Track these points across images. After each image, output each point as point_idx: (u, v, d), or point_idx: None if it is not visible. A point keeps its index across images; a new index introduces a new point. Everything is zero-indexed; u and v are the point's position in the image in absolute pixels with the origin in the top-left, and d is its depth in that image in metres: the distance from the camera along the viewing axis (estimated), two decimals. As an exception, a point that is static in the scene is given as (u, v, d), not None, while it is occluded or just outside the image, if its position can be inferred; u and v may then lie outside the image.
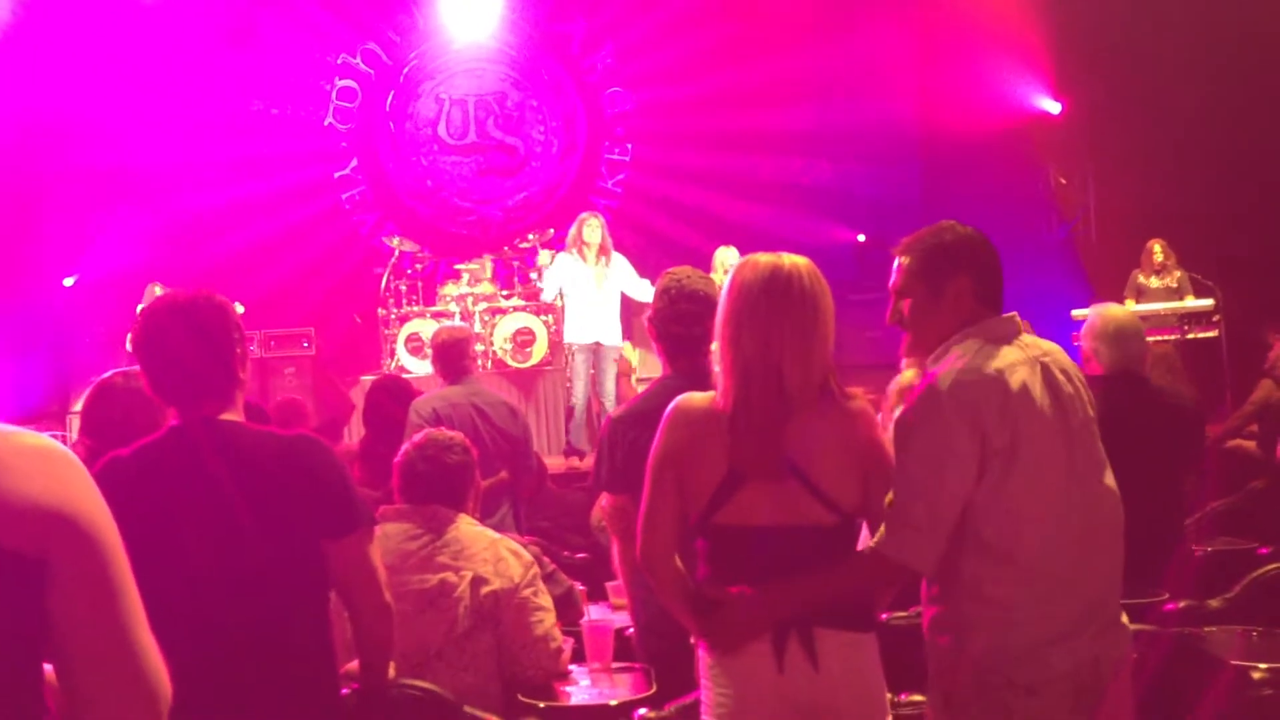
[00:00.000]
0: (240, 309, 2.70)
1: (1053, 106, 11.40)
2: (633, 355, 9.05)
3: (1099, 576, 2.45)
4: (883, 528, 2.40)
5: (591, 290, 8.40)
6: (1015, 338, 2.49)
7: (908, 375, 4.07)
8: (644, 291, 8.38)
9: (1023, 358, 2.45)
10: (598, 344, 8.49)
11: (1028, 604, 2.38)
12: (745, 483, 2.46)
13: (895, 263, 2.61)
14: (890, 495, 2.41)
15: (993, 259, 2.56)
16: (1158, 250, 9.58)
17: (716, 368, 2.54)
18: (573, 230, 8.57)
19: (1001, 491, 2.37)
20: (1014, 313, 2.54)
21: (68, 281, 10.59)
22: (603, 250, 8.44)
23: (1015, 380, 2.40)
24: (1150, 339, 8.73)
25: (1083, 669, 2.38)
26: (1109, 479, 2.50)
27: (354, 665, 2.72)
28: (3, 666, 1.36)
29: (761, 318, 2.46)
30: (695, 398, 2.58)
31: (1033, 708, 2.36)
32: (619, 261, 8.55)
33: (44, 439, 1.42)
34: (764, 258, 2.54)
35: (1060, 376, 2.46)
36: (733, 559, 2.51)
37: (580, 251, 8.41)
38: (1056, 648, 2.37)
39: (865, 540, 2.58)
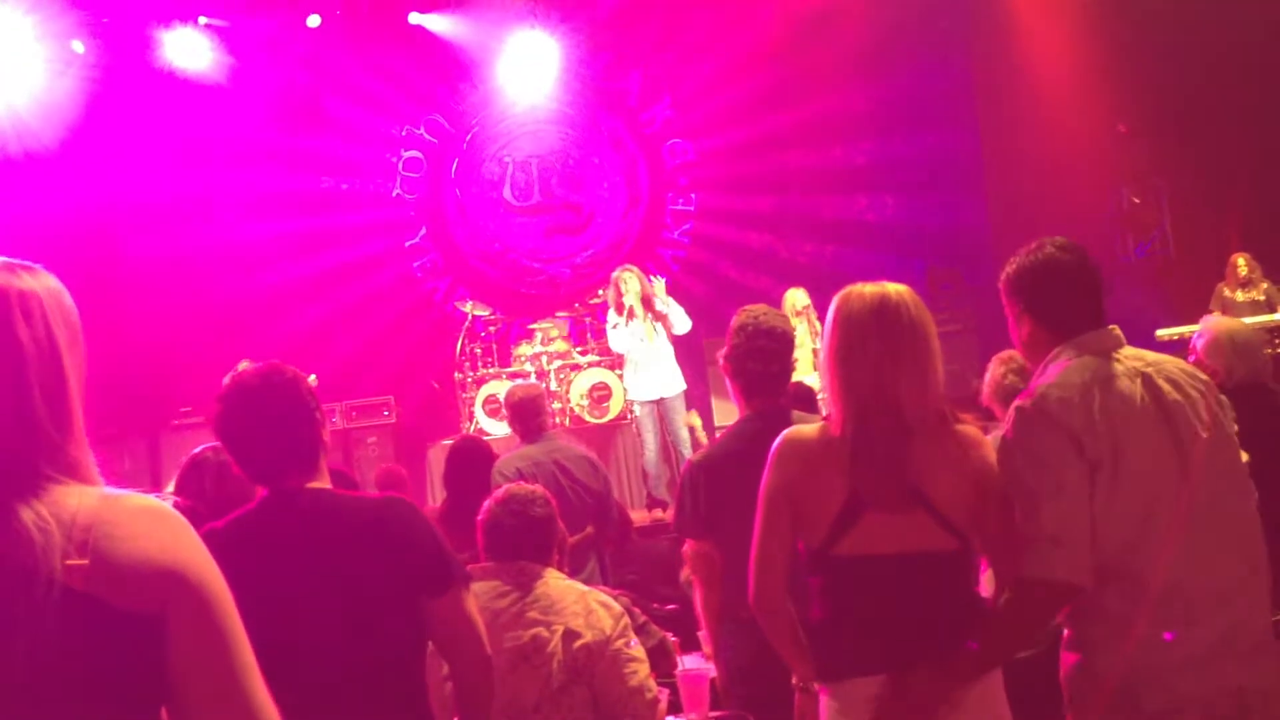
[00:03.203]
0: (314, 380, 2.73)
1: (1119, 126, 11.23)
2: (695, 420, 8.89)
3: (1239, 597, 2.34)
4: (1024, 550, 2.35)
5: (644, 346, 8.36)
6: (1113, 350, 2.46)
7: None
8: (680, 322, 8.33)
9: (1120, 369, 2.42)
10: (662, 399, 8.45)
11: (1152, 623, 2.30)
12: (865, 513, 2.43)
13: None
14: (1018, 519, 2.37)
15: (1054, 283, 2.53)
16: (1242, 264, 9.37)
17: (821, 397, 2.54)
18: (610, 293, 8.53)
19: (1111, 505, 2.32)
20: (1113, 326, 2.51)
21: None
22: (647, 305, 8.37)
23: (1109, 392, 2.37)
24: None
25: (1221, 698, 2.28)
26: (1247, 493, 2.42)
27: (452, 725, 2.72)
28: (123, 718, 1.40)
29: (874, 348, 2.46)
30: (804, 430, 2.56)
31: None
32: (670, 303, 8.48)
33: (151, 500, 1.47)
34: (869, 288, 2.53)
35: (1166, 386, 2.40)
36: (854, 591, 2.46)
37: (622, 310, 8.37)
38: (1187, 673, 2.28)
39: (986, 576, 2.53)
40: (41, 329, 1.45)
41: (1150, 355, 2.50)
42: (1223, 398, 2.50)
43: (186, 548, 1.44)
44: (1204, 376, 2.51)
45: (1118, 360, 2.44)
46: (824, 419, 2.58)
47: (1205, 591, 2.31)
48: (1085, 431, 2.33)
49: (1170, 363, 2.49)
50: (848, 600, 2.47)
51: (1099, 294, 2.54)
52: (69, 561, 1.34)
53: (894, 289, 2.52)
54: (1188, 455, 2.36)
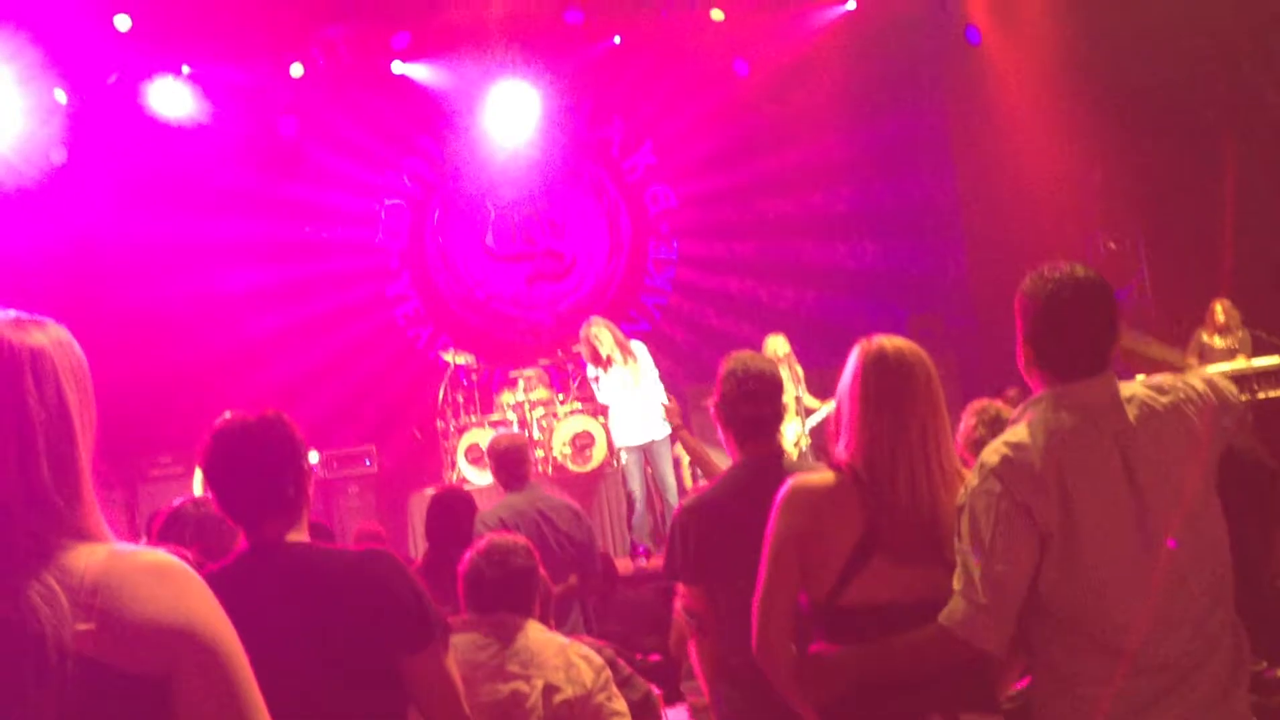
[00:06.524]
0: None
1: (1094, 173, 11.35)
2: (681, 451, 8.88)
3: (1190, 648, 2.30)
4: (956, 602, 2.36)
5: (629, 391, 8.38)
6: (1099, 404, 2.38)
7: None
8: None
9: (1096, 430, 2.35)
10: (649, 442, 8.45)
11: (1099, 678, 2.29)
12: (872, 560, 2.45)
13: None
14: (958, 571, 2.37)
15: (1056, 323, 2.40)
16: (1220, 310, 9.46)
17: (804, 444, 2.57)
18: (584, 350, 8.56)
19: (1062, 570, 2.30)
20: (1108, 374, 2.41)
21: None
22: (623, 349, 8.41)
23: (1073, 457, 2.32)
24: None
25: None
26: (1213, 545, 2.36)
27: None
28: None
29: (899, 401, 2.50)
30: (812, 478, 2.59)
31: None
32: (640, 350, 8.54)
33: (159, 555, 1.44)
34: (889, 341, 2.58)
35: (1146, 444, 2.34)
36: (862, 640, 2.46)
37: (602, 364, 8.40)
38: None
39: None
40: (52, 392, 1.43)
41: (1145, 398, 2.39)
42: (1227, 414, 2.42)
43: (195, 603, 1.42)
44: (1201, 402, 2.40)
45: (1092, 418, 2.36)
46: (837, 467, 2.58)
47: (1153, 647, 2.28)
48: (1035, 499, 2.30)
49: (1164, 403, 2.39)
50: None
51: (1106, 338, 2.41)
52: (77, 627, 1.32)
53: (908, 345, 2.59)
54: (1151, 522, 2.30)
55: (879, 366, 2.54)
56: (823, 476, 2.58)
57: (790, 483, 2.60)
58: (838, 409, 2.61)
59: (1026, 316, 2.44)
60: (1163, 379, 2.47)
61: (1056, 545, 2.30)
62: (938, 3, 11.46)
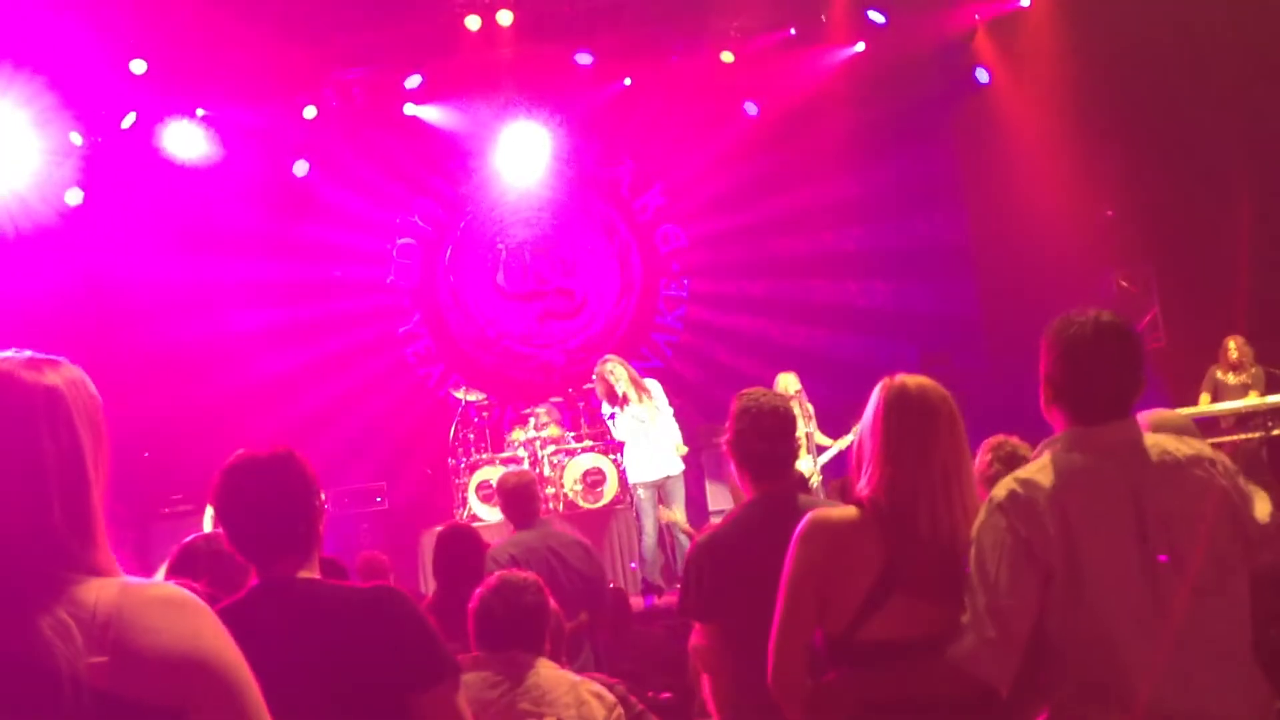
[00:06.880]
0: None
1: (1107, 211, 11.36)
2: (676, 515, 8.78)
3: (1208, 698, 2.27)
4: (964, 636, 2.36)
5: (645, 428, 8.39)
6: (1117, 449, 2.39)
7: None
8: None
9: (1110, 473, 2.35)
10: (665, 478, 8.45)
11: None
12: (894, 596, 2.44)
13: None
14: (967, 606, 2.36)
15: (1075, 366, 2.42)
16: (1233, 347, 9.44)
17: (860, 483, 2.55)
18: (600, 387, 8.58)
19: (1070, 612, 2.30)
20: (1129, 420, 2.42)
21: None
22: (638, 387, 8.44)
23: (1082, 499, 2.32)
24: (1233, 437, 8.57)
25: None
26: (1230, 593, 2.34)
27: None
28: None
29: (918, 438, 2.51)
30: (831, 513, 2.59)
31: None
32: (655, 387, 8.55)
33: (169, 589, 1.45)
34: (912, 380, 2.59)
35: (1163, 496, 2.33)
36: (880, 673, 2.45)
37: (618, 401, 8.42)
38: None
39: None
40: (65, 432, 1.44)
41: (1168, 447, 2.39)
42: (1246, 489, 2.41)
43: (207, 634, 1.43)
44: (1224, 468, 2.40)
45: (1115, 461, 2.36)
46: (858, 502, 2.57)
47: (1178, 699, 2.25)
48: (1037, 537, 2.30)
49: (1186, 455, 2.38)
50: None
51: (1128, 384, 2.42)
52: (90, 660, 1.32)
53: (930, 383, 2.60)
54: (1160, 569, 2.29)
55: (901, 404, 2.54)
56: (843, 511, 2.57)
57: (810, 517, 2.59)
58: (859, 445, 2.61)
59: (1049, 356, 2.47)
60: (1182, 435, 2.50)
61: (1060, 584, 2.30)
62: (947, 43, 11.55)
